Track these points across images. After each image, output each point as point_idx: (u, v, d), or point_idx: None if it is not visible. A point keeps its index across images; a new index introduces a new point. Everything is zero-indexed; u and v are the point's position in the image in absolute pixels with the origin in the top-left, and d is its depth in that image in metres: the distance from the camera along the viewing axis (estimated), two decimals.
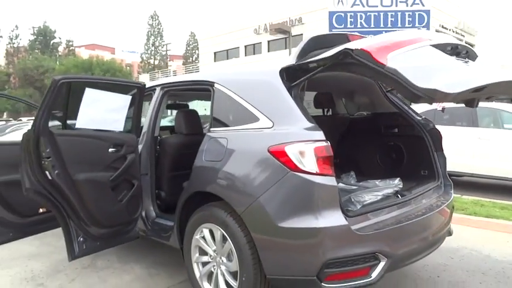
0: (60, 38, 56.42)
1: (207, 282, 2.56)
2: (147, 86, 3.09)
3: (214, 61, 29.93)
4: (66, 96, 2.56)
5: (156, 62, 54.67)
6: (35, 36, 54.01)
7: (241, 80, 2.59)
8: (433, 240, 2.44)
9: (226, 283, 2.42)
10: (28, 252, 3.79)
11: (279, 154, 2.07)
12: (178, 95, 4.02)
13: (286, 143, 2.06)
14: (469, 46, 2.49)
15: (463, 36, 26.47)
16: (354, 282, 2.03)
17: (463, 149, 6.37)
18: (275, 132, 2.17)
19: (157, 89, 3.25)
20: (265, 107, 2.29)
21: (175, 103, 4.34)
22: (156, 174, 3.26)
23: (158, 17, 55.22)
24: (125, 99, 2.89)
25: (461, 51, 2.32)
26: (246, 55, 27.63)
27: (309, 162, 2.00)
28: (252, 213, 2.14)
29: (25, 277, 3.21)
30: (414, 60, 1.96)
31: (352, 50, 1.94)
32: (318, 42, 2.33)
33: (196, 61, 49.12)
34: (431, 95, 1.77)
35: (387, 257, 2.06)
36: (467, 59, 2.31)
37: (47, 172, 2.46)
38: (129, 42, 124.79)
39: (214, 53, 30.11)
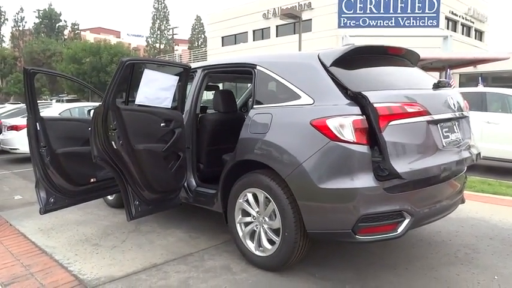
0: (65, 21, 56.57)
1: (249, 240, 2.94)
2: None
3: (222, 46, 30.05)
4: (129, 76, 2.90)
5: (162, 46, 54.68)
6: (40, 19, 54.07)
7: (282, 62, 2.92)
8: (449, 204, 2.79)
9: (268, 239, 2.80)
10: (75, 220, 4.19)
11: (320, 126, 2.42)
12: (215, 77, 4.34)
13: (327, 117, 2.41)
14: (463, 113, 2.96)
15: (473, 23, 26.41)
16: (382, 235, 2.40)
17: (473, 132, 6.67)
18: (316, 107, 2.51)
19: (199, 71, 3.59)
20: (306, 86, 2.63)
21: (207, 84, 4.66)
22: (196, 148, 3.62)
23: (164, 0, 55.03)
24: (173, 80, 3.24)
25: (455, 119, 2.83)
26: (254, 40, 27.74)
27: (347, 133, 2.34)
28: (296, 177, 2.49)
29: (80, 239, 3.60)
30: (404, 135, 2.43)
31: (369, 101, 2.35)
32: (358, 51, 2.70)
33: (202, 45, 49.11)
34: (395, 175, 2.31)
35: (411, 215, 2.42)
36: (457, 124, 2.86)
37: (112, 142, 2.82)
38: (134, 26, 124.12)
39: (222, 37, 30.20)
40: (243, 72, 3.28)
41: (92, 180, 3.70)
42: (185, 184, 3.53)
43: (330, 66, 2.60)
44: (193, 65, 3.60)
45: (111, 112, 2.73)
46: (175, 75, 3.31)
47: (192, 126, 3.55)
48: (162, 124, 3.14)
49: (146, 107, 3.05)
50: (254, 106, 2.92)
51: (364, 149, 2.34)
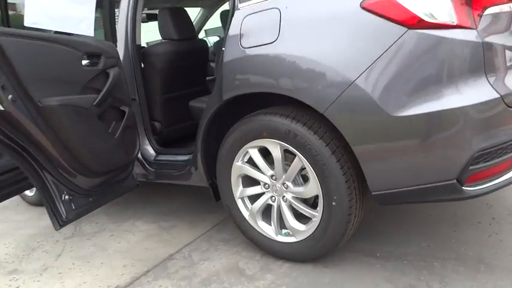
0: None
1: (262, 220, 1.89)
2: None
3: None
4: None
5: None
6: None
7: None
8: None
9: (297, 214, 1.77)
10: None
11: (384, 8, 1.34)
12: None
13: None
14: None
15: None
16: (496, 181, 1.46)
17: None
18: None
19: None
20: None
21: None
22: (146, 99, 2.41)
23: None
24: None
25: None
26: None
27: (440, 11, 1.30)
28: (345, 107, 1.43)
29: None
30: (503, 34, 1.43)
31: None
32: None
33: None
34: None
35: None
36: None
37: None
38: None
39: None
40: None
41: None
42: (139, 155, 2.35)
43: None
44: None
45: None
46: None
47: (134, 66, 2.31)
48: (84, 62, 1.86)
49: (51, 34, 1.75)
50: (239, 5, 1.74)
51: (471, 35, 1.32)
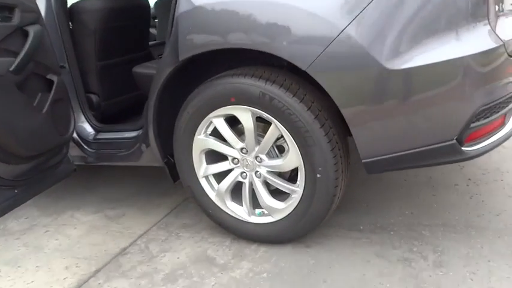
0: None
1: (231, 201, 1.64)
2: None
3: None
4: None
5: None
6: None
7: None
8: None
9: (273, 191, 1.56)
10: None
11: None
12: None
13: None
14: None
15: None
16: (492, 138, 1.34)
17: None
18: None
19: None
20: None
21: None
22: (78, 65, 2.01)
23: None
24: None
25: None
26: None
27: None
28: (334, 60, 1.21)
29: None
30: None
31: None
32: None
33: None
34: None
35: None
36: None
37: None
38: None
39: None
40: None
41: None
42: (75, 134, 1.97)
43: None
44: None
45: None
46: None
47: (60, 25, 1.90)
48: None
49: None
50: None
51: None
